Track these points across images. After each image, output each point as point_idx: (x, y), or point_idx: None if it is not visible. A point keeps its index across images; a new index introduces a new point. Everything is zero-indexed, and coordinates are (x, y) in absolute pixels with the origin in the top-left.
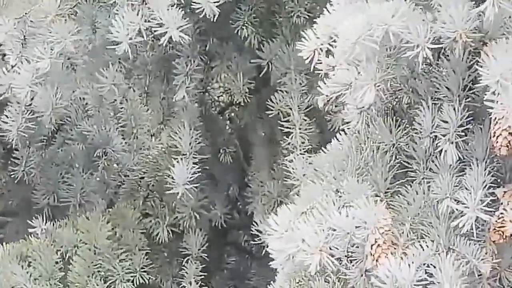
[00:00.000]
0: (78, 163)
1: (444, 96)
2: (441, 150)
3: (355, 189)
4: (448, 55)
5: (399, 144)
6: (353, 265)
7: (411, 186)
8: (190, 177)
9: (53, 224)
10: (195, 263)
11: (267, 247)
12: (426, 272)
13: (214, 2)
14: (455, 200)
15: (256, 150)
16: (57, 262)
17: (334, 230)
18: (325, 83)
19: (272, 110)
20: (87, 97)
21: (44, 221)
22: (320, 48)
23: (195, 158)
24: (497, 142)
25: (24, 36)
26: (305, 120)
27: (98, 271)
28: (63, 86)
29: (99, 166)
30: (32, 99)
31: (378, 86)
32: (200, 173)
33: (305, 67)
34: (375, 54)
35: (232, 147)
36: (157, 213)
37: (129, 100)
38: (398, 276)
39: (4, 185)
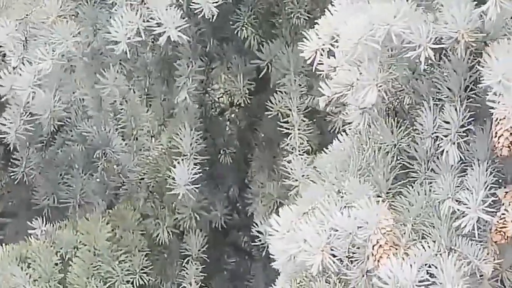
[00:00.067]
0: (78, 164)
1: (445, 97)
2: (443, 150)
3: (357, 190)
4: (449, 56)
5: (400, 145)
6: (354, 266)
7: (412, 187)
8: (191, 178)
9: (53, 226)
10: (195, 264)
11: (268, 248)
12: (427, 273)
13: (213, 3)
14: (457, 200)
15: (256, 151)
16: (56, 264)
17: (336, 230)
18: (326, 84)
19: (271, 111)
20: (87, 98)
21: (44, 223)
22: (322, 49)
23: (196, 159)
24: (498, 142)
25: (26, 37)
26: (304, 121)
27: (98, 273)
28: (62, 88)
29: (99, 167)
30: (31, 100)
31: (380, 86)
32: (200, 174)
33: (305, 68)
34: (377, 55)
35: (232, 148)
36: (157, 214)
37: (129, 101)
38: (399, 276)
39: (3, 186)
